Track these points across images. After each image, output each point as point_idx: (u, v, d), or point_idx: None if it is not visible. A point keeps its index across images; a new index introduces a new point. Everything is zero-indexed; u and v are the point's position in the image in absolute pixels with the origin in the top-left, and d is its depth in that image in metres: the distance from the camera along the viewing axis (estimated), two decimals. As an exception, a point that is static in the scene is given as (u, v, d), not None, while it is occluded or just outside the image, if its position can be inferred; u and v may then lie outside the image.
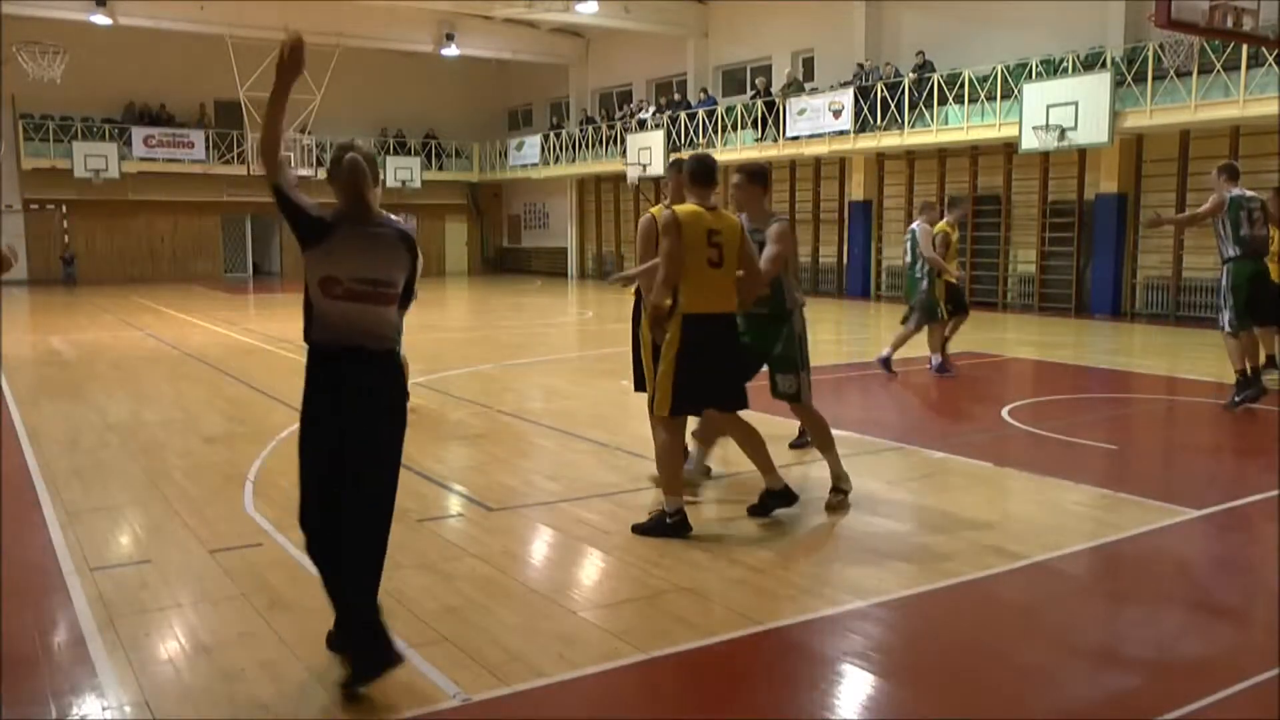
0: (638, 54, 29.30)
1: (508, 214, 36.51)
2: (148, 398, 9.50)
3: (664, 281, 5.03)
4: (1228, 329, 8.46)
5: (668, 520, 5.11)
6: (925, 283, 10.60)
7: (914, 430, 8.01)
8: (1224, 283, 8.51)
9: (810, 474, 6.60)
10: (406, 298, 3.58)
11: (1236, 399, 8.40)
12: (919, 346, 11.12)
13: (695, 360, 5.05)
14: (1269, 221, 8.70)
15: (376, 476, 3.48)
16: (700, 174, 5.22)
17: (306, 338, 3.46)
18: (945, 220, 10.89)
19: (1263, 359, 8.82)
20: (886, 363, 10.71)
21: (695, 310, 5.05)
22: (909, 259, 10.84)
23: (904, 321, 11.01)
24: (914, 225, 10.81)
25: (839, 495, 5.70)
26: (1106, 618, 4.26)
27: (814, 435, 5.95)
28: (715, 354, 5.10)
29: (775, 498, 5.50)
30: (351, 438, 3.40)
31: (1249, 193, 8.50)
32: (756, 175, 5.68)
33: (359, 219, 3.46)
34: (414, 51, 29.75)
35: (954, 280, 10.81)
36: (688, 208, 5.15)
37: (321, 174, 32.82)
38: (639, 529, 5.16)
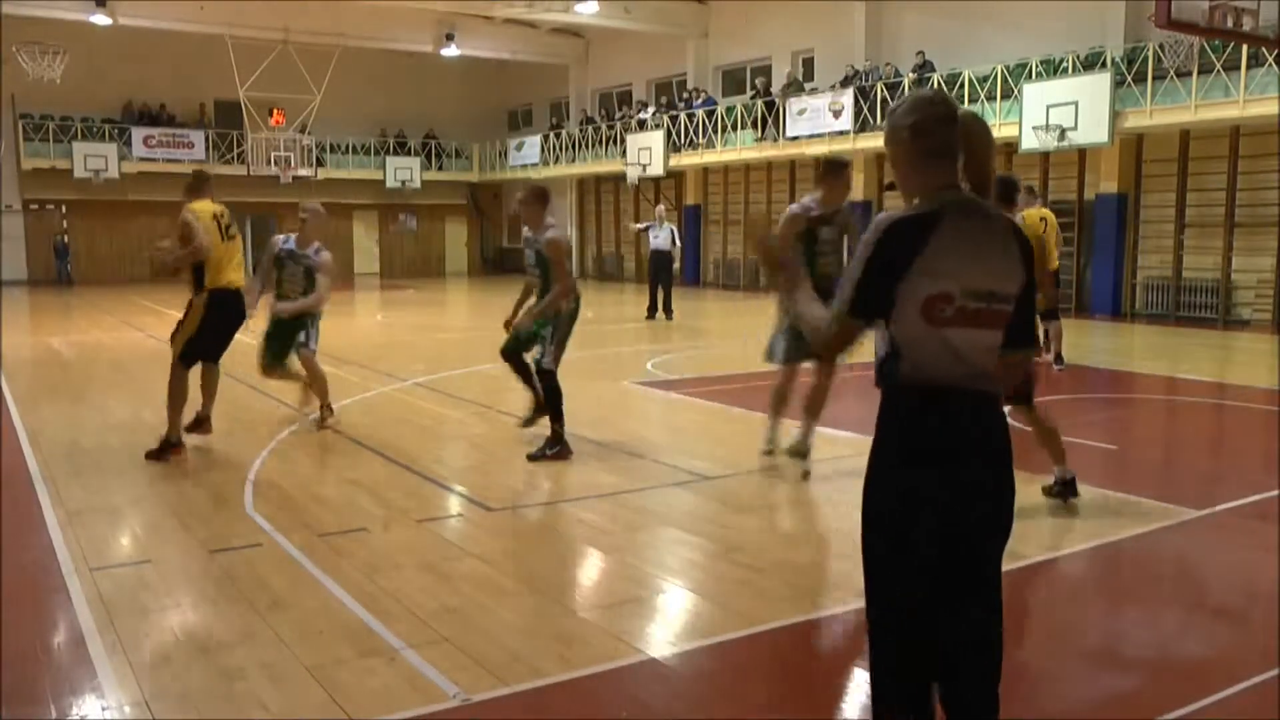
0: (638, 54, 29.30)
1: (508, 214, 36.48)
2: (148, 398, 9.48)
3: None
4: None
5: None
6: None
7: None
8: None
9: (817, 475, 6.60)
10: None
11: None
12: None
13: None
14: None
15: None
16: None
17: None
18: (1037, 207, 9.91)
19: None
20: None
21: None
22: None
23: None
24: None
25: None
26: (1106, 618, 4.25)
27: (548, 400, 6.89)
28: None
29: None
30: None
31: None
32: (542, 195, 6.87)
33: None
34: (414, 51, 29.75)
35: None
36: None
37: (321, 174, 32.77)
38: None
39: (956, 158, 2.40)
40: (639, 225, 17.86)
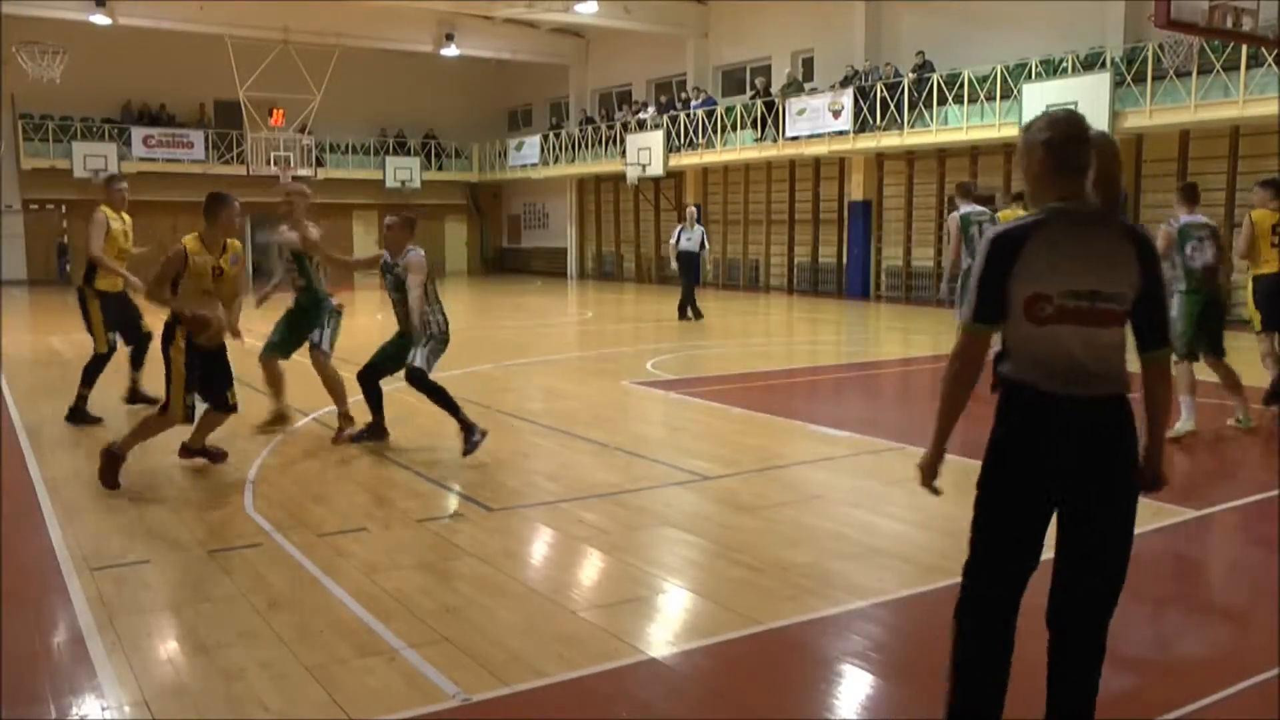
0: (638, 54, 29.30)
1: (507, 214, 36.51)
2: (145, 400, 9.48)
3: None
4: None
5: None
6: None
7: (914, 430, 8.00)
8: None
9: (814, 476, 6.61)
10: None
11: None
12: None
13: None
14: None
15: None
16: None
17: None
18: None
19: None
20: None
21: None
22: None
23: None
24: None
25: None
26: (1106, 618, 4.25)
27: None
28: None
29: None
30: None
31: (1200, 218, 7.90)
32: (411, 222, 7.07)
33: None
34: (414, 51, 29.74)
35: None
36: None
37: (321, 174, 32.79)
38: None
39: (1084, 173, 2.64)
40: (673, 239, 17.57)
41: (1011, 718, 3.32)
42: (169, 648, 3.81)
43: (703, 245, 17.59)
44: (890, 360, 12.90)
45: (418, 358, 6.81)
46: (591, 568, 4.87)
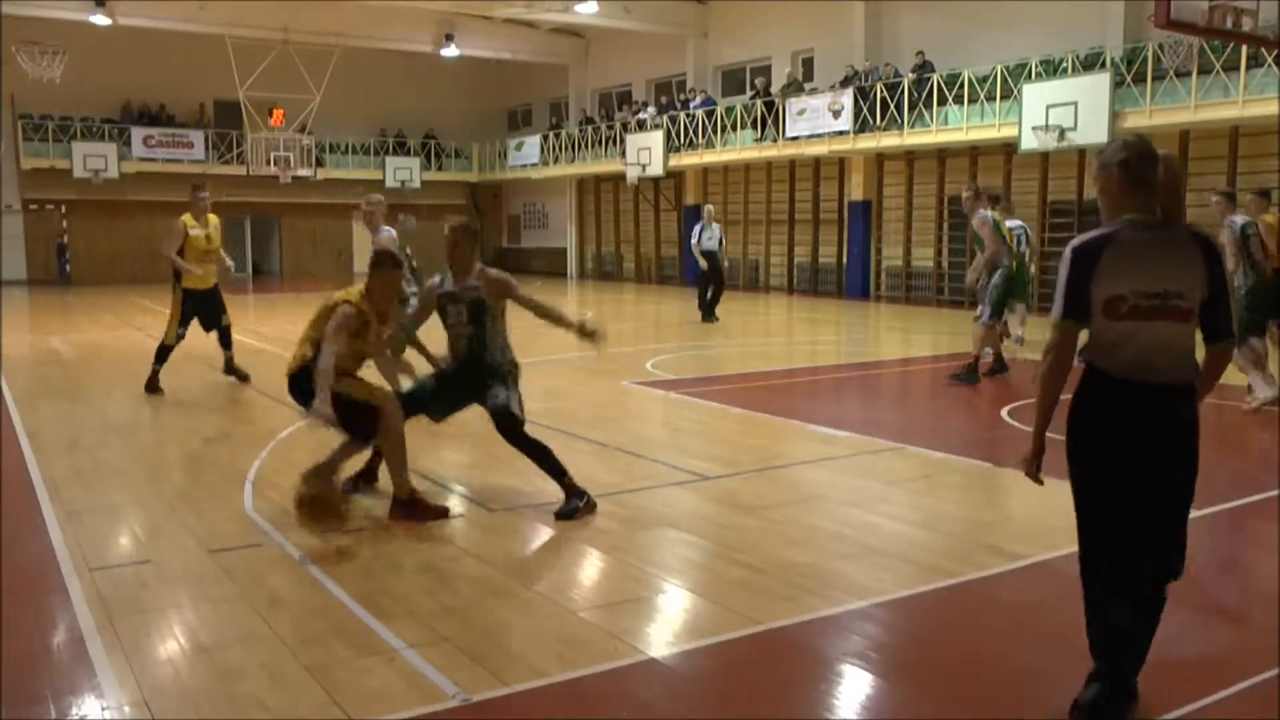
0: (637, 54, 29.29)
1: (507, 214, 36.51)
2: (147, 398, 9.50)
3: None
4: None
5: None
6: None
7: (914, 430, 8.01)
8: None
9: (814, 476, 6.61)
10: None
11: None
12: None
13: None
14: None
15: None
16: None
17: None
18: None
19: None
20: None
21: None
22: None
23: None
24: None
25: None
26: (1106, 618, 4.25)
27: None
28: None
29: None
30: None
31: None
32: (475, 232, 5.89)
33: None
34: (414, 51, 29.72)
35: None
36: None
37: (321, 174, 32.76)
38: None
39: (1154, 189, 3.05)
40: (694, 239, 17.15)
41: (1011, 718, 3.33)
42: (169, 648, 3.81)
43: (720, 243, 17.15)
44: (890, 360, 12.90)
45: (512, 401, 5.53)
46: (591, 568, 4.87)
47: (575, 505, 5.47)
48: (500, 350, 5.61)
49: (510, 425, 5.51)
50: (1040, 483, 3.25)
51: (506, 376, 5.58)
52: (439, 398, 5.72)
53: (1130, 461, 3.05)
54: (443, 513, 5.51)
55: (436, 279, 5.71)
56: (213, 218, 9.91)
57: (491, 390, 5.51)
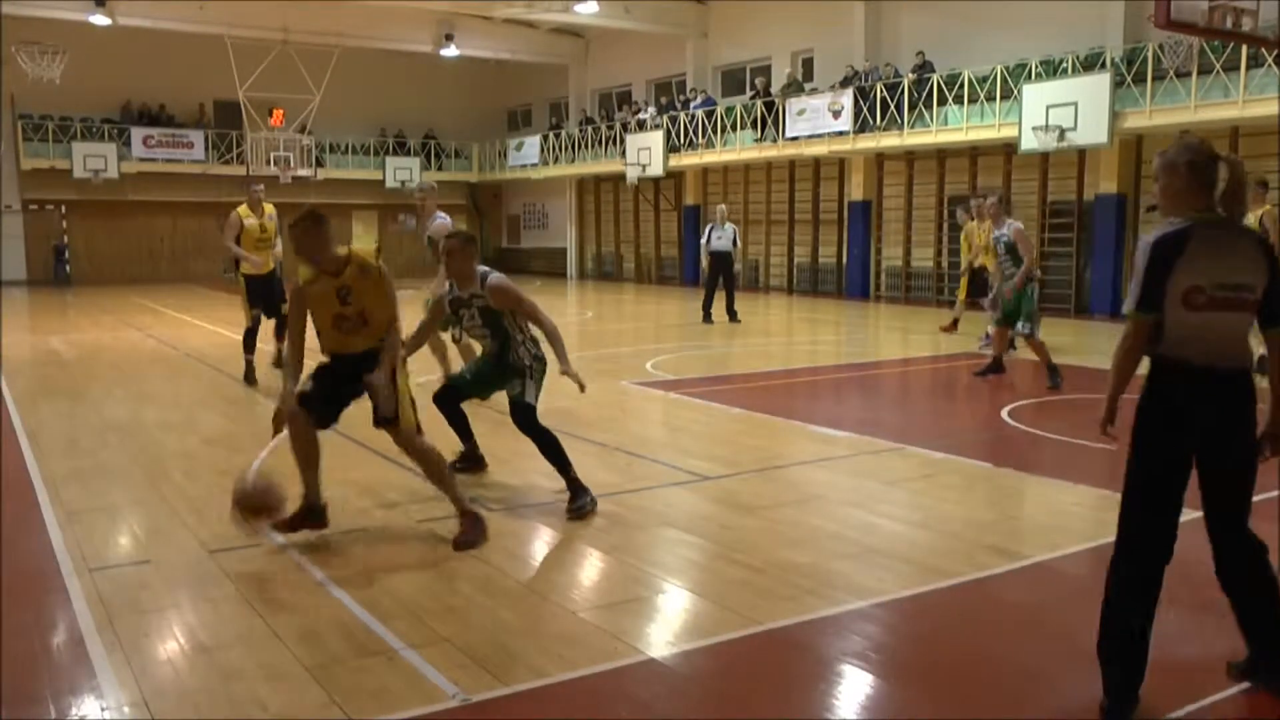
0: (637, 54, 29.29)
1: (507, 214, 36.49)
2: (147, 398, 9.50)
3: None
4: None
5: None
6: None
7: (914, 430, 8.01)
8: None
9: (814, 476, 6.61)
10: None
11: None
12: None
13: None
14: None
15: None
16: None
17: None
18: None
19: None
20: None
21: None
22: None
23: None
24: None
25: None
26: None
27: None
28: None
29: None
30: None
31: None
32: (471, 240, 5.90)
33: None
34: (414, 51, 29.71)
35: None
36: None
37: (321, 174, 32.69)
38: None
39: (1215, 188, 3.24)
40: (703, 239, 16.89)
41: (1011, 718, 3.33)
42: (169, 648, 3.81)
43: (735, 243, 16.82)
44: (890, 360, 12.90)
45: (529, 392, 5.73)
46: (591, 568, 4.87)
47: (585, 502, 5.54)
48: (521, 346, 5.82)
49: (524, 415, 5.71)
50: (1114, 439, 3.43)
51: (526, 371, 5.80)
52: (477, 382, 6.17)
53: (1203, 445, 3.25)
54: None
55: (446, 287, 5.96)
56: (269, 207, 10.24)
57: (511, 382, 5.82)
